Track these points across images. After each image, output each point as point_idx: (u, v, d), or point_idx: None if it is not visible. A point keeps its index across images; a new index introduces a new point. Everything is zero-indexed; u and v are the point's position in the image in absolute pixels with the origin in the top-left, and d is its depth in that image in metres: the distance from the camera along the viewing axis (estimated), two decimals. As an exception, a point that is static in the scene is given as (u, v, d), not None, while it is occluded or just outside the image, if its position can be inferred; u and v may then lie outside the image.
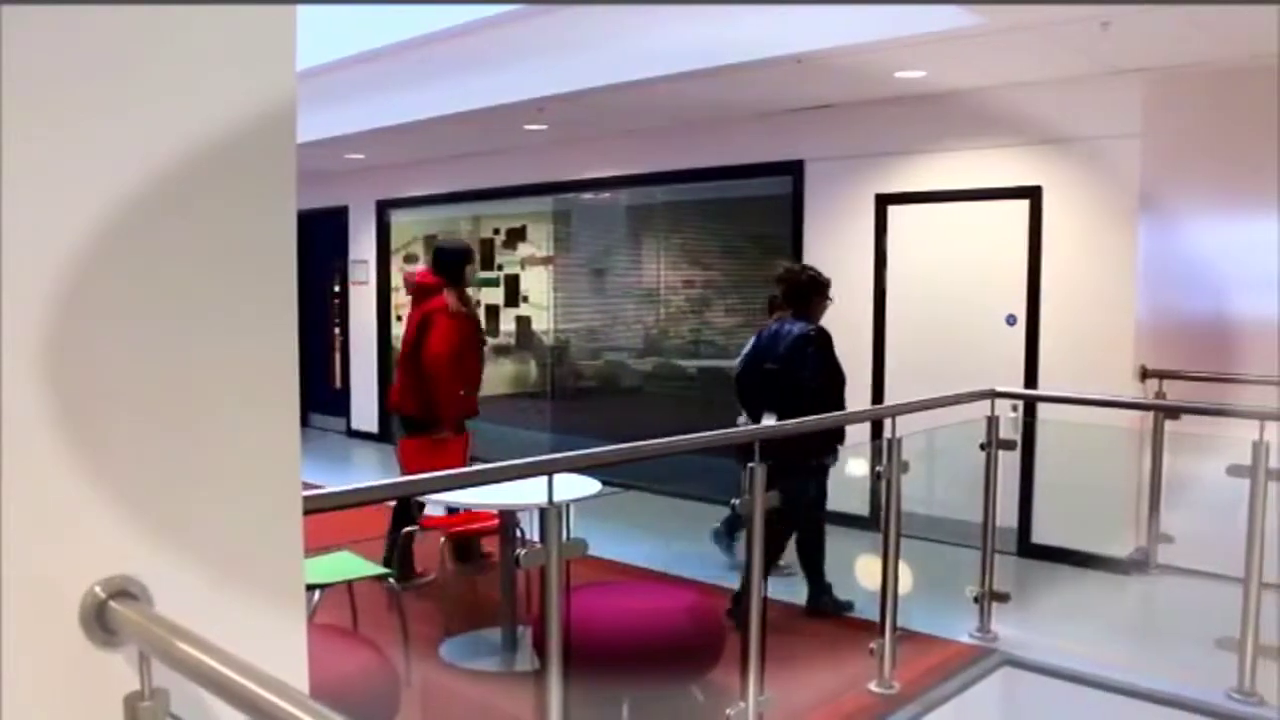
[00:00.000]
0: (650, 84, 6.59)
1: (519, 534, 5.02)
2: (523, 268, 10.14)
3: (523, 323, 10.17)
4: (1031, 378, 6.46)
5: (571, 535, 3.06)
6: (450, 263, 6.01)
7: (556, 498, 3.02)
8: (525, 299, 10.13)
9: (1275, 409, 4.64)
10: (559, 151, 9.14)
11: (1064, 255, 6.41)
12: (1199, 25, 5.30)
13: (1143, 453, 5.56)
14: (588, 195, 9.61)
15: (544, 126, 8.26)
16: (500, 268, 10.30)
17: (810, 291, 5.64)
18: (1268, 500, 4.22)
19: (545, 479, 3.04)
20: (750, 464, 3.57)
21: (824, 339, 5.51)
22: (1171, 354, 6.06)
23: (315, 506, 2.50)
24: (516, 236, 10.17)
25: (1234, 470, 4.26)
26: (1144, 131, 6.16)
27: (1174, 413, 5.35)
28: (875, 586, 4.46)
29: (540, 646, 3.12)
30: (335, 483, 2.63)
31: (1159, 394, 6.05)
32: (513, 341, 10.29)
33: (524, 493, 3.50)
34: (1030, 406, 6.07)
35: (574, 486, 4.39)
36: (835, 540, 5.65)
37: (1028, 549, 6.41)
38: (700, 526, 6.36)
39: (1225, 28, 5.37)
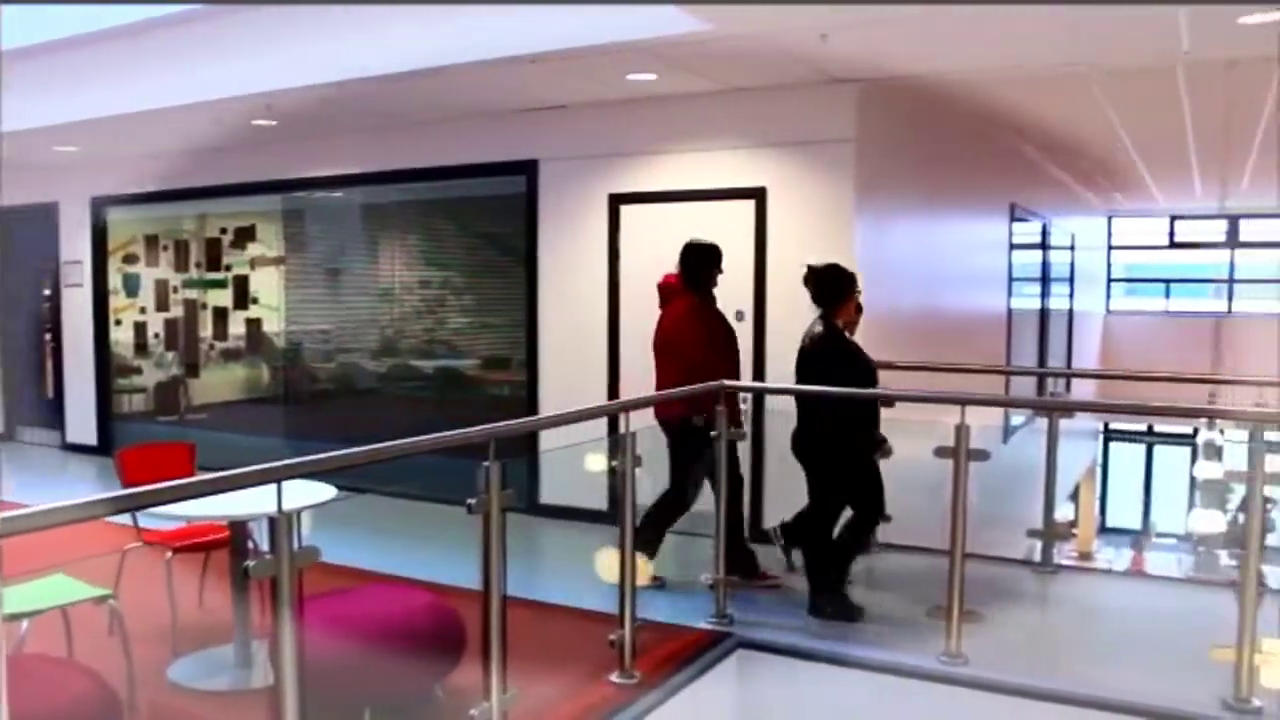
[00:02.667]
0: (380, 81, 6.46)
1: (251, 545, 4.81)
2: (252, 268, 9.71)
3: (253, 325, 9.74)
4: (760, 371, 6.73)
5: (304, 543, 2.96)
6: (698, 263, 5.85)
7: (288, 505, 2.92)
8: (255, 300, 9.72)
9: (975, 394, 5.01)
10: (290, 148, 8.82)
11: (788, 253, 6.71)
12: (904, 40, 5.68)
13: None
14: (320, 193, 9.32)
15: (273, 122, 7.95)
16: (229, 268, 9.83)
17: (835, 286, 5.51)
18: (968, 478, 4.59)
19: (275, 487, 2.92)
20: (485, 463, 3.56)
21: (814, 355, 5.42)
22: (888, 345, 6.46)
23: (14, 529, 2.31)
24: (245, 236, 9.74)
25: (940, 452, 4.60)
26: (858, 137, 6.54)
27: (889, 401, 5.69)
28: (614, 579, 4.53)
29: (276, 660, 3.00)
30: (46, 500, 2.42)
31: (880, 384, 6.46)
32: (243, 345, 9.84)
33: (255, 502, 3.35)
34: (759, 398, 6.34)
35: (307, 493, 4.24)
36: (577, 535, 5.71)
37: (759, 535, 6.67)
38: (441, 528, 6.27)
39: (924, 44, 5.78)
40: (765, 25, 5.42)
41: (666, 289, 5.94)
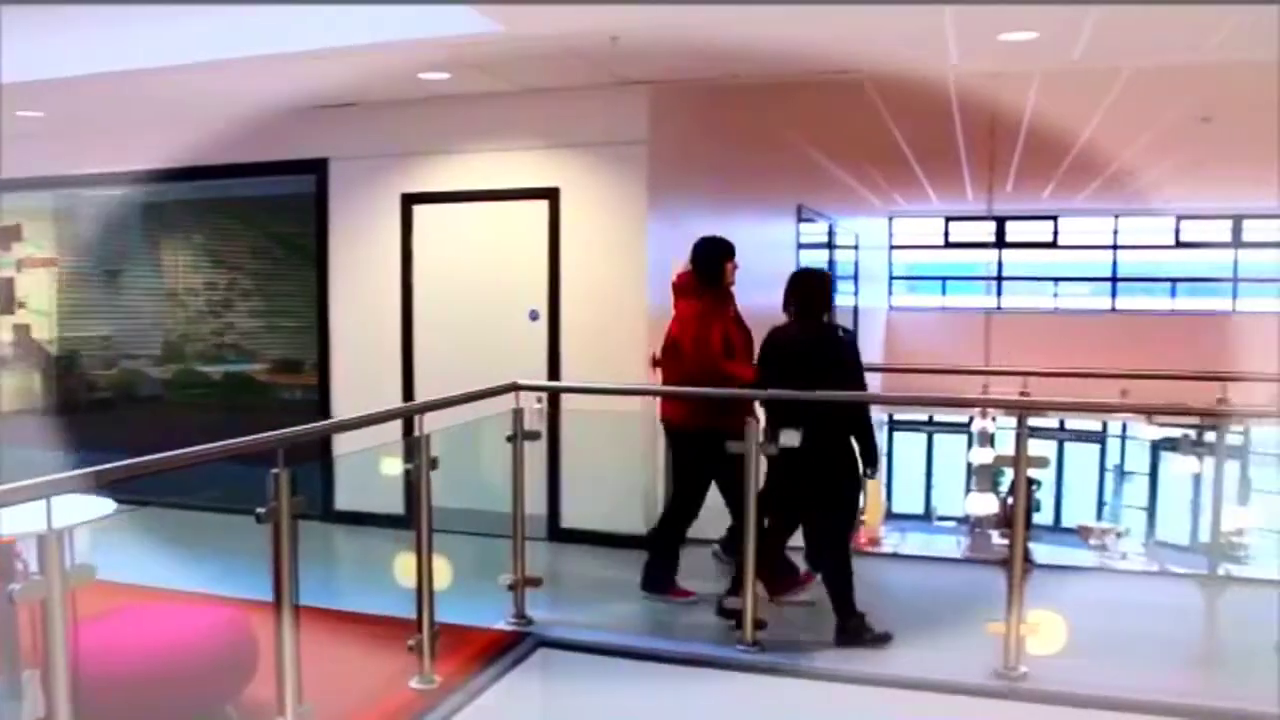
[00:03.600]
0: (155, 74, 6.19)
1: (21, 566, 4.53)
2: (19, 270, 9.12)
3: (21, 331, 9.15)
4: (555, 370, 6.78)
5: (81, 561, 2.83)
6: (707, 257, 5.59)
7: (59, 522, 2.77)
8: (23, 305, 9.13)
9: (762, 392, 5.18)
10: (60, 143, 8.29)
11: (582, 253, 6.79)
12: (690, 43, 5.82)
13: (658, 436, 6.02)
14: (96, 191, 8.83)
15: (40, 114, 7.49)
16: (-9, 271, 9.22)
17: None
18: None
19: (44, 503, 2.77)
20: (273, 470, 3.47)
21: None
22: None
23: None
24: (10, 236, 9.13)
25: (731, 447, 4.76)
26: (650, 139, 6.66)
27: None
28: (412, 583, 4.49)
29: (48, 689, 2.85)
30: None
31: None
32: (9, 353, 9.23)
33: (25, 520, 3.16)
34: (554, 398, 6.39)
35: (82, 508, 4.02)
36: (375, 541, 5.62)
37: (558, 533, 6.74)
38: (234, 539, 6.05)
39: (709, 47, 5.93)
40: (556, 27, 5.46)
41: (677, 288, 5.73)
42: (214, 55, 5.93)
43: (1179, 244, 18.81)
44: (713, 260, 5.61)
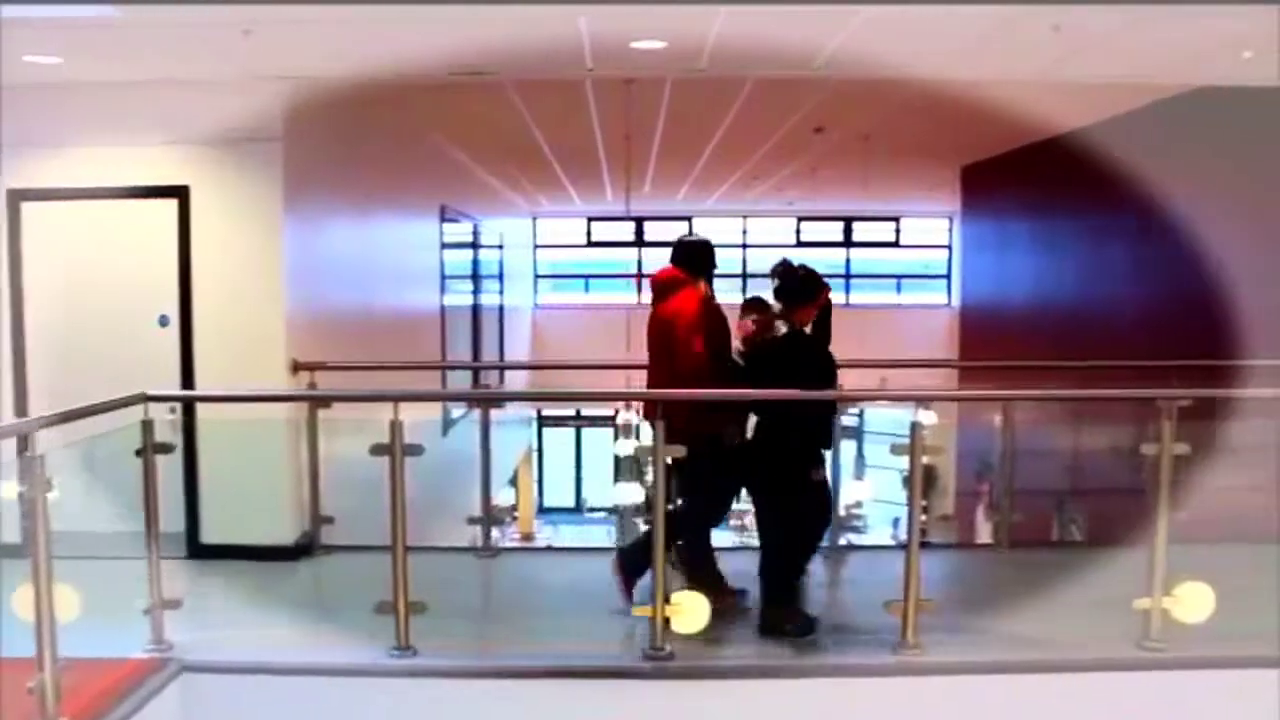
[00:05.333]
0: None
1: None
2: None
3: None
4: (189, 378, 6.40)
5: None
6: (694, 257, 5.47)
7: None
8: None
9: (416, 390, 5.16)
10: None
11: (215, 254, 6.44)
12: (322, 39, 5.68)
13: (300, 442, 5.83)
14: None
15: None
16: None
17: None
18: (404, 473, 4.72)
19: None
20: None
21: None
22: (320, 347, 6.44)
23: None
24: None
25: (376, 450, 4.70)
26: (286, 135, 6.43)
27: (325, 402, 5.69)
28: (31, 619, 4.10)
29: None
30: None
31: (311, 384, 6.42)
32: None
33: None
34: (189, 407, 6.04)
35: None
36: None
37: (198, 550, 6.37)
38: None
39: (340, 44, 5.81)
40: (182, 15, 5.15)
41: (663, 283, 5.51)
42: None
43: (800, 243, 20.48)
44: (707, 255, 5.56)
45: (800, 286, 5.25)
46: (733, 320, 5.51)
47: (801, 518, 5.25)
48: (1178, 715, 4.73)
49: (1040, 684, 4.74)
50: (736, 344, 5.60)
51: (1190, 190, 8.45)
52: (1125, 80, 6.93)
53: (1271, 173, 7.48)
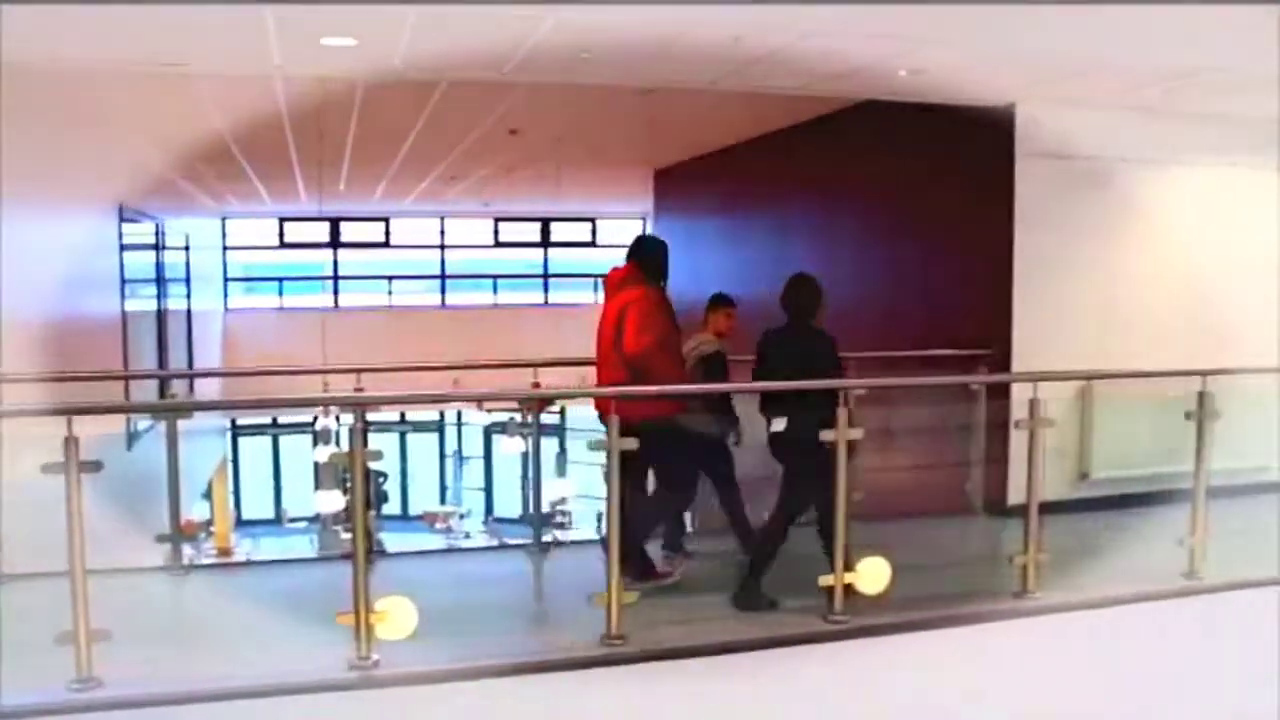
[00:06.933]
0: None
1: None
2: None
3: None
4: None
5: None
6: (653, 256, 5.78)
7: None
8: None
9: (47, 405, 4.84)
10: None
11: None
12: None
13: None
14: None
15: None
16: None
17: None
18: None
19: None
20: None
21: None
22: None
23: None
24: None
25: (49, 468, 4.35)
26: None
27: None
28: None
29: None
30: None
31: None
32: None
33: None
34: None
35: None
36: None
37: None
38: None
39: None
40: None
41: (620, 279, 5.72)
42: None
43: (498, 244, 20.57)
44: (663, 257, 5.81)
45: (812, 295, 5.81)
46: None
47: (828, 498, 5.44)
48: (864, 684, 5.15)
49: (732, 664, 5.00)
50: (704, 338, 6.28)
51: (861, 193, 9.16)
52: (801, 91, 7.40)
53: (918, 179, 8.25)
